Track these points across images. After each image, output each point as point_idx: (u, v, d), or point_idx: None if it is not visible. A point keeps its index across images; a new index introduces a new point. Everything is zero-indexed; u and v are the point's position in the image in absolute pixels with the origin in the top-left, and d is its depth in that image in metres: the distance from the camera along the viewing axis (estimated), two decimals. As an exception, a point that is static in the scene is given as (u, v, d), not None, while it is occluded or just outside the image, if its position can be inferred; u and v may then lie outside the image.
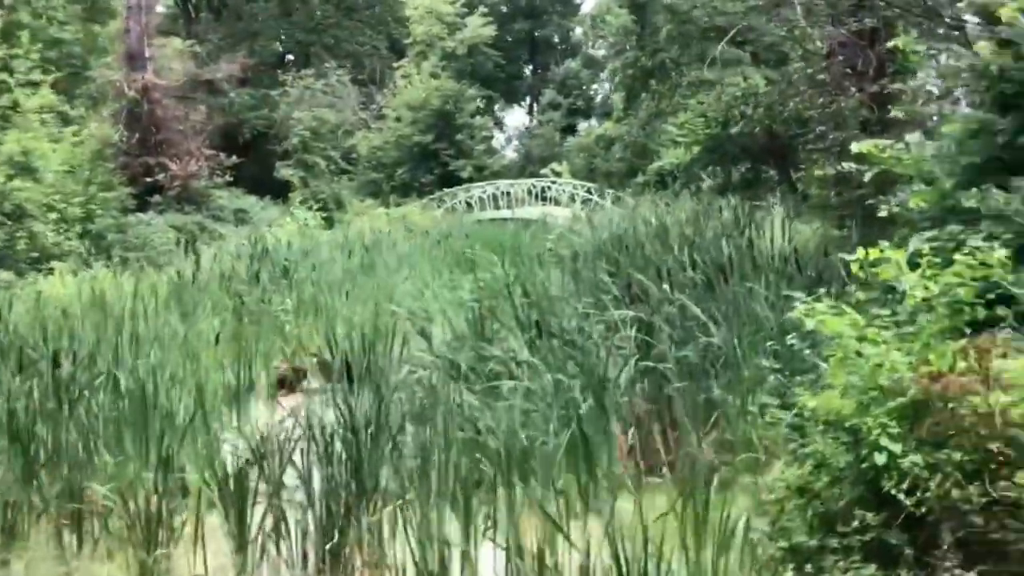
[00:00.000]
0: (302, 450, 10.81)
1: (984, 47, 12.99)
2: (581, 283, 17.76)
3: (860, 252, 9.18)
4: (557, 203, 47.42)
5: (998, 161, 12.77)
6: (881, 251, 9.00)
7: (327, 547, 9.56)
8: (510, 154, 72.37)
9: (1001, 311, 9.85)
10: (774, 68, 31.11)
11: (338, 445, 10.60)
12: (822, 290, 9.13)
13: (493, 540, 9.57)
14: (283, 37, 64.78)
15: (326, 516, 9.71)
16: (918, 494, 7.61)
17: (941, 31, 18.74)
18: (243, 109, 53.56)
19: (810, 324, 8.66)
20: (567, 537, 9.29)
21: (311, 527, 9.76)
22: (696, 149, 39.54)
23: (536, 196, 49.60)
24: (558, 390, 12.94)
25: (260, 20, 61.63)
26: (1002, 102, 13.25)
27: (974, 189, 11.91)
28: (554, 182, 51.01)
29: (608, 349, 14.04)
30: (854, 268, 9.25)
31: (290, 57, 64.31)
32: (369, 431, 11.01)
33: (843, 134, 19.03)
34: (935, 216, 12.75)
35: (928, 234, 10.85)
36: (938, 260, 9.19)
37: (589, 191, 47.40)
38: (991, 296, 10.55)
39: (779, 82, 27.22)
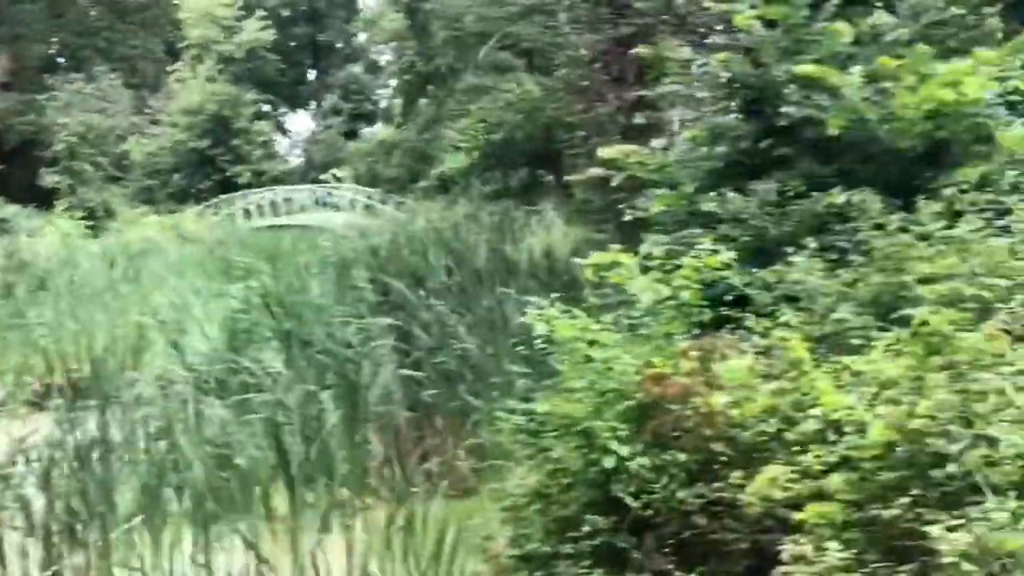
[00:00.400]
0: (31, 473, 10.26)
1: (725, 55, 13.31)
2: (344, 291, 17.51)
3: (594, 256, 9.23)
4: (339, 209, 46.98)
5: (739, 165, 13.11)
6: (613, 255, 9.06)
7: (47, 574, 9.06)
8: (296, 160, 71.46)
9: (734, 312, 10.09)
10: (546, 75, 31.42)
11: (66, 467, 10.08)
12: (555, 295, 9.05)
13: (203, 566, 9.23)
14: (52, 40, 62.37)
15: (48, 541, 9.19)
16: (645, 496, 7.66)
17: (709, 40, 19.24)
18: (7, 114, 51.33)
19: (541, 329, 8.63)
20: (266, 563, 9.05)
21: (31, 554, 9.23)
22: (476, 154, 39.68)
23: (318, 202, 49.05)
24: (310, 401, 12.67)
25: (25, 22, 59.10)
26: (744, 107, 13.63)
27: (713, 193, 12.20)
28: (336, 188, 50.55)
29: (367, 357, 13.85)
30: (588, 272, 9.29)
31: (61, 61, 61.95)
32: (102, 450, 10.52)
33: (602, 139, 19.30)
34: (682, 219, 13.02)
35: (659, 237, 11.02)
36: (677, 262, 9.32)
37: (371, 197, 47.12)
38: (729, 297, 10.83)
39: (550, 88, 27.51)
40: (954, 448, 5.50)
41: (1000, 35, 15.17)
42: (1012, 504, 4.94)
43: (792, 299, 9.94)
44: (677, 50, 16.34)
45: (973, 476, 5.37)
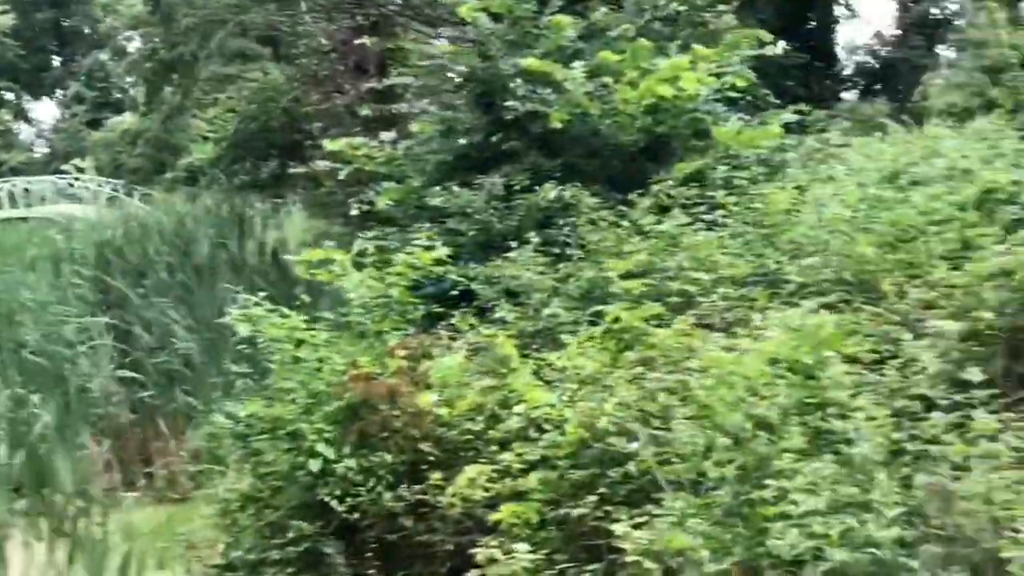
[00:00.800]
0: None
1: (452, 46, 13.22)
2: (65, 288, 16.62)
3: (305, 253, 8.98)
4: (81, 201, 45.06)
5: (469, 159, 13.02)
6: (325, 252, 8.82)
7: None
8: (42, 150, 68.42)
9: (457, 308, 9.98)
10: (293, 64, 30.78)
11: None
12: (262, 293, 8.74)
13: None
14: None
15: None
16: (351, 499, 7.46)
17: (441, 31, 19.12)
18: None
19: (244, 329, 8.32)
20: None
21: None
22: (224, 145, 38.59)
23: (60, 193, 46.93)
24: (21, 406, 11.98)
25: None
26: (475, 101, 13.57)
27: (438, 187, 12.07)
28: (78, 179, 48.49)
29: (85, 357, 13.21)
30: (300, 269, 9.03)
31: None
32: None
33: (341, 131, 18.94)
34: (413, 214, 12.86)
35: (377, 232, 10.82)
36: (393, 258, 9.14)
37: (116, 188, 45.37)
38: (455, 292, 10.72)
39: (294, 78, 26.96)
40: (633, 446, 5.48)
41: (737, 32, 15.53)
42: (679, 503, 4.93)
43: (515, 294, 9.91)
44: (415, 41, 16.22)
45: (653, 474, 5.36)
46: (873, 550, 4.21)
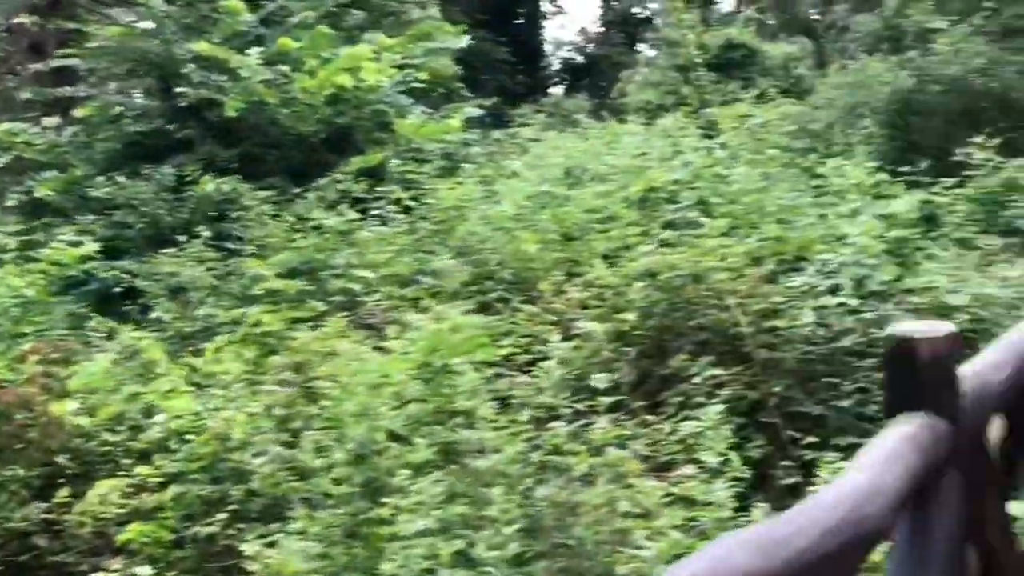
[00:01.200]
0: None
1: (119, 29, 12.50)
2: None
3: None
4: None
5: (141, 147, 12.34)
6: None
7: None
8: None
9: (118, 306, 9.40)
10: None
11: None
12: None
13: None
14: None
15: None
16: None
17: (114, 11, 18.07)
18: None
19: None
20: None
21: None
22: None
23: None
24: None
25: None
26: (152, 86, 12.93)
27: (102, 178, 11.37)
28: None
29: None
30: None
31: None
32: None
33: (12, 115, 17.72)
34: (79, 205, 12.09)
35: (14, 228, 10.05)
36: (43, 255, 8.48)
37: None
38: (119, 289, 10.09)
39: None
40: (258, 461, 5.12)
41: (426, 23, 15.30)
42: (301, 522, 4.60)
43: (180, 291, 9.36)
44: (99, 23, 15.31)
45: (280, 489, 5.01)
46: (489, 569, 4.00)
